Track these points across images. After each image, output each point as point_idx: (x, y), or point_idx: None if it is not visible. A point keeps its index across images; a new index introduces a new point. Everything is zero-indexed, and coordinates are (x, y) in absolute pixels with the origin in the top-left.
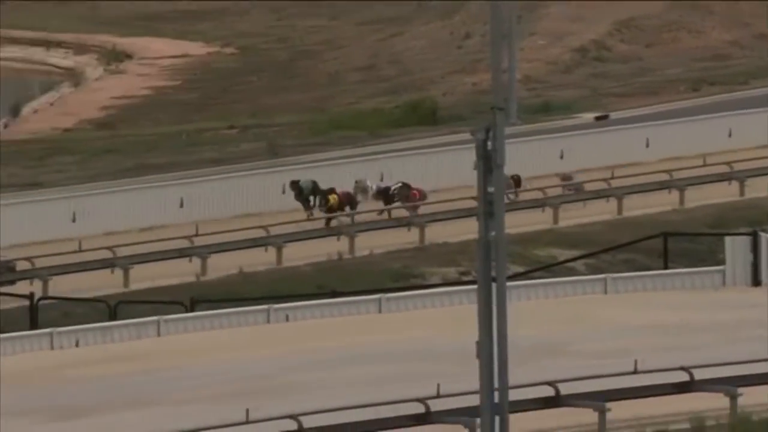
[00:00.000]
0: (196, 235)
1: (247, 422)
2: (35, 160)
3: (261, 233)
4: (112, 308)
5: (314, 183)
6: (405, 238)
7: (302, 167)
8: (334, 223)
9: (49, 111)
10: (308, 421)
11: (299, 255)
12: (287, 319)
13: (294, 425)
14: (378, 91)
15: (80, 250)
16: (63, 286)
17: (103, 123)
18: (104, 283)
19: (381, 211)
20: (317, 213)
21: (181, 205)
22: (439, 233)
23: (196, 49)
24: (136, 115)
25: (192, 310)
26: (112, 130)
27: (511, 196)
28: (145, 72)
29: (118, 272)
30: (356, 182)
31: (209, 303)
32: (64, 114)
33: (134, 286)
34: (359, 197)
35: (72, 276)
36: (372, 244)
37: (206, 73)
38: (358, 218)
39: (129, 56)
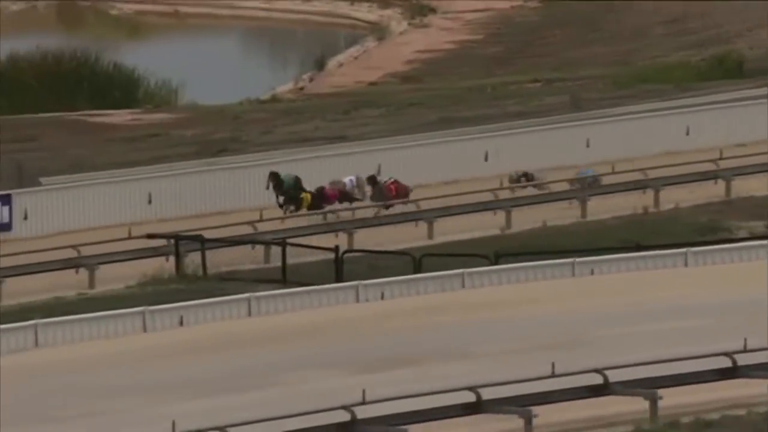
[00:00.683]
0: (500, 188)
1: (553, 376)
2: (340, 114)
3: (565, 186)
4: (416, 261)
5: (296, 179)
6: (711, 191)
7: (606, 120)
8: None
9: (354, 65)
10: (614, 375)
11: (604, 208)
12: (592, 272)
13: (599, 379)
14: (684, 44)
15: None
16: (368, 239)
17: (407, 77)
18: (409, 236)
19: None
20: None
21: (486, 159)
22: (745, 187)
23: (499, 3)
24: (440, 69)
25: (496, 264)
26: (416, 84)
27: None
28: (448, 26)
29: (423, 225)
30: (331, 183)
31: (513, 256)
32: (369, 68)
33: (439, 239)
34: (356, 191)
35: (377, 229)
36: (677, 197)
37: (510, 27)
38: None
39: (433, 10)
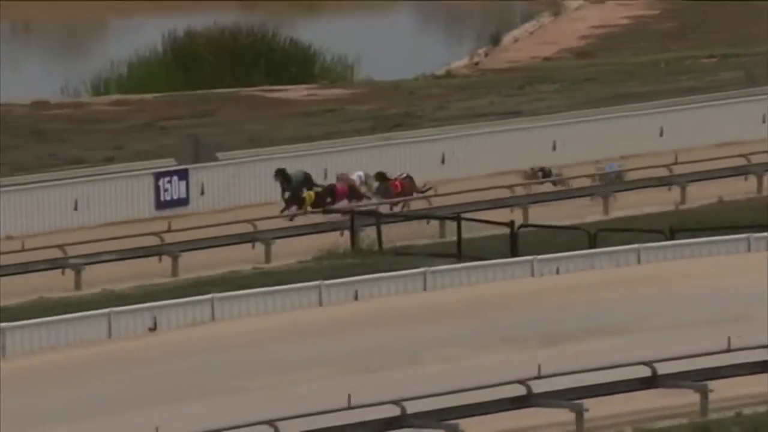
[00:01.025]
0: (675, 163)
1: (728, 350)
2: (515, 89)
3: (741, 162)
4: (592, 236)
5: (306, 174)
6: None
7: None
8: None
9: (529, 40)
10: None
11: None
12: None
13: None
14: None
15: None
16: (543, 214)
17: (582, 52)
18: (584, 211)
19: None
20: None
21: (661, 134)
22: None
23: None
24: (615, 44)
25: (671, 239)
26: (591, 59)
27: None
28: (624, 2)
29: (597, 201)
30: (337, 176)
31: (689, 231)
32: (544, 43)
33: (614, 214)
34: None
35: (552, 204)
36: None
37: (685, 2)
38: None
39: None
